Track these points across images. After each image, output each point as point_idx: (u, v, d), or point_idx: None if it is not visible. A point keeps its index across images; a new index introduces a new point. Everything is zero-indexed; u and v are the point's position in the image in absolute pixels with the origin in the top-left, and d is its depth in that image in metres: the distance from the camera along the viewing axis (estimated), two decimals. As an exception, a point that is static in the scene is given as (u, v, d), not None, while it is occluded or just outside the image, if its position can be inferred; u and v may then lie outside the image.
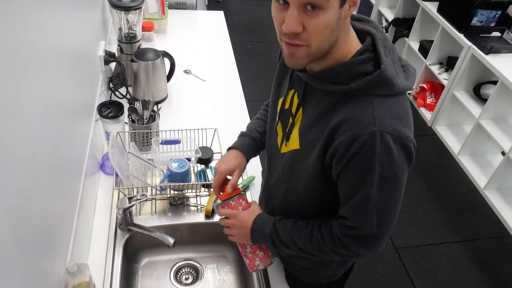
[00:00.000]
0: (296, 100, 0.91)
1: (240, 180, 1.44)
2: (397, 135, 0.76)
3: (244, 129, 1.20)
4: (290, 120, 0.92)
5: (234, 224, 1.03)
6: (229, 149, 1.14)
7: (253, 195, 1.43)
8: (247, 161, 1.13)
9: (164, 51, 1.76)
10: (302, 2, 0.70)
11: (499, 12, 2.89)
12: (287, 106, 0.94)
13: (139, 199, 1.21)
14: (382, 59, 0.77)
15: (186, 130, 1.45)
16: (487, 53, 2.73)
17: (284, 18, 0.72)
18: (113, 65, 1.79)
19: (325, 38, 0.75)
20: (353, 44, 0.81)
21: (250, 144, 1.13)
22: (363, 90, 0.77)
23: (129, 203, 1.18)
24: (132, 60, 1.69)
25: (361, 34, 0.83)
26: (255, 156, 1.16)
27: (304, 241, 0.94)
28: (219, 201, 1.36)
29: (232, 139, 1.21)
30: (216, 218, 1.35)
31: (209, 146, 1.47)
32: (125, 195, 1.25)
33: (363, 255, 0.94)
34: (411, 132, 0.79)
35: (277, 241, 0.97)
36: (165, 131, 1.46)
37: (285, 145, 0.95)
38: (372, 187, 0.79)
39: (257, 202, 1.22)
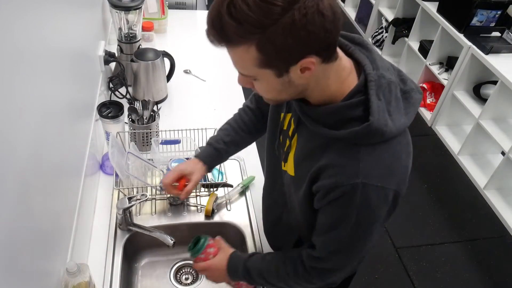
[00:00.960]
0: (293, 125, 0.90)
1: (240, 180, 1.45)
2: (380, 186, 0.75)
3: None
4: (288, 142, 0.92)
5: (213, 274, 1.06)
6: (195, 156, 1.15)
7: (253, 195, 1.43)
8: (209, 171, 1.17)
9: (164, 51, 1.75)
10: None
11: (499, 12, 2.89)
12: (285, 127, 0.94)
13: (139, 199, 1.21)
14: (372, 109, 0.72)
15: (186, 130, 1.45)
16: (487, 53, 2.73)
17: None
18: (113, 65, 1.79)
19: (275, 95, 0.77)
20: (346, 81, 0.76)
21: (216, 156, 1.14)
22: (351, 139, 0.75)
23: (129, 203, 1.18)
24: (132, 60, 1.69)
25: (359, 63, 0.79)
26: (218, 164, 1.19)
27: (272, 276, 0.97)
28: (219, 201, 1.37)
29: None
30: (216, 218, 1.35)
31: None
32: (125, 195, 1.25)
33: (330, 285, 0.99)
34: (400, 178, 0.77)
35: (251, 280, 1.00)
36: (165, 131, 1.46)
37: (284, 165, 0.96)
38: (345, 231, 0.81)
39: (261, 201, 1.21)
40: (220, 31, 0.66)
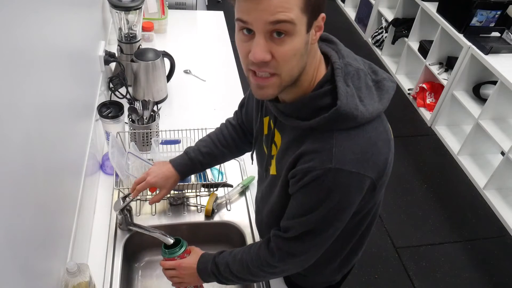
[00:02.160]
0: (273, 126, 0.91)
1: (240, 180, 1.45)
2: (355, 172, 0.75)
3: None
4: (271, 146, 0.93)
5: (180, 273, 1.04)
6: (170, 160, 1.15)
7: (253, 195, 1.43)
8: (182, 179, 1.16)
9: (164, 51, 1.76)
10: (269, 29, 0.67)
11: (498, 12, 2.89)
12: (265, 132, 0.95)
13: (133, 198, 1.20)
14: (339, 93, 0.74)
15: (186, 130, 1.45)
16: (486, 53, 2.73)
17: (250, 48, 0.70)
18: (113, 65, 1.79)
19: (294, 65, 0.72)
20: (320, 70, 0.79)
21: (190, 165, 1.14)
22: (324, 126, 0.76)
23: (123, 202, 1.17)
24: (132, 60, 1.69)
25: (327, 58, 0.81)
26: (191, 175, 1.19)
27: (238, 267, 0.97)
28: (219, 201, 1.37)
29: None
30: (216, 218, 1.35)
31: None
32: (119, 197, 1.24)
33: (288, 273, 0.99)
34: (378, 166, 0.77)
35: (219, 275, 1.00)
36: (165, 131, 1.46)
37: (268, 171, 0.96)
38: (315, 216, 0.82)
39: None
40: None
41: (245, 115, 1.13)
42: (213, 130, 1.21)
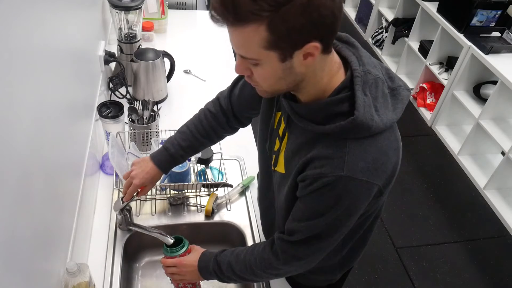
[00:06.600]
0: (283, 124, 0.91)
1: (240, 180, 1.45)
2: (365, 181, 0.76)
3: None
4: (278, 142, 0.93)
5: (181, 270, 1.05)
6: (151, 156, 1.15)
7: (253, 195, 1.43)
8: (165, 174, 1.16)
9: (164, 51, 1.75)
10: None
11: (499, 12, 2.89)
12: (275, 126, 0.95)
13: (132, 198, 1.20)
14: (357, 104, 0.73)
15: (186, 130, 1.45)
16: (487, 53, 2.73)
17: None
18: (113, 65, 1.79)
19: (273, 83, 0.75)
20: (338, 75, 0.77)
21: (172, 161, 1.13)
22: (337, 134, 0.76)
23: (123, 202, 1.17)
24: (132, 60, 1.69)
25: (346, 61, 0.80)
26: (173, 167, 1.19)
27: (240, 267, 0.97)
28: (219, 201, 1.37)
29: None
30: (216, 218, 1.35)
31: (209, 146, 1.46)
32: (119, 197, 1.24)
33: (291, 274, 1.00)
34: (387, 174, 0.78)
35: (221, 274, 1.00)
36: (165, 131, 1.46)
37: (275, 166, 0.96)
38: (323, 221, 0.82)
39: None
40: (231, 7, 0.63)
41: (238, 99, 1.11)
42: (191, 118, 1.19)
